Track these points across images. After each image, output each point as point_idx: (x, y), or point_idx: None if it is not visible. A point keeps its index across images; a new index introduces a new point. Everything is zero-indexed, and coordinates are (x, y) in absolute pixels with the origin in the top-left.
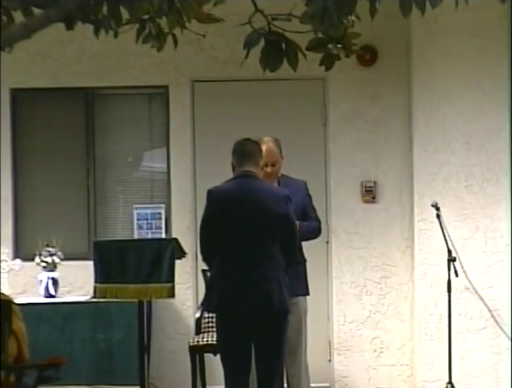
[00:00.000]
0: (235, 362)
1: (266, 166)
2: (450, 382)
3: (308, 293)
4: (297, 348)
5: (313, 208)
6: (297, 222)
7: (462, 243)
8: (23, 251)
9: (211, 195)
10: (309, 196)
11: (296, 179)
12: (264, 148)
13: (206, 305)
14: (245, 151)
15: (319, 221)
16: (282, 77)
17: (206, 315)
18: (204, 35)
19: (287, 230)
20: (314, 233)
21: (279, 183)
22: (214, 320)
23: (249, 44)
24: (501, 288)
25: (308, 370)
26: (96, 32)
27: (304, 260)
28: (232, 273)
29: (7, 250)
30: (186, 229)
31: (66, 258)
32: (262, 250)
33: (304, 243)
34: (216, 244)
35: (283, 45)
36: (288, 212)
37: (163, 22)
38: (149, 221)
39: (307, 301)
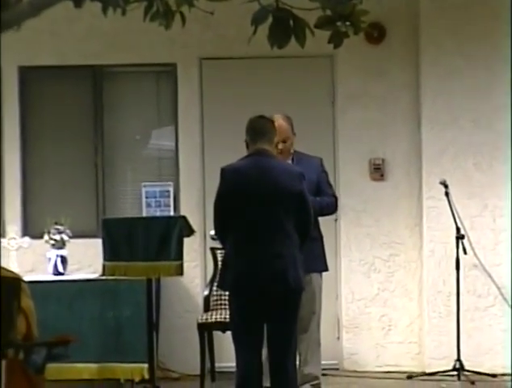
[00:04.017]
0: (248, 340)
1: (277, 143)
2: (458, 359)
3: (324, 269)
4: (310, 325)
5: (329, 185)
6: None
7: (470, 221)
8: (31, 229)
9: (225, 173)
10: (325, 173)
11: (311, 155)
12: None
13: (221, 284)
14: (258, 129)
15: (335, 197)
16: (290, 54)
17: (214, 293)
18: (212, 13)
19: (301, 208)
20: (328, 208)
21: (292, 159)
22: (223, 298)
23: (256, 21)
24: (510, 265)
25: (320, 348)
26: (104, 10)
27: (321, 237)
28: (247, 251)
29: (16, 228)
30: (194, 207)
31: (75, 236)
32: (277, 228)
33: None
34: (230, 222)
35: (291, 22)
36: (302, 189)
37: (171, 0)
38: (158, 199)
39: (322, 278)
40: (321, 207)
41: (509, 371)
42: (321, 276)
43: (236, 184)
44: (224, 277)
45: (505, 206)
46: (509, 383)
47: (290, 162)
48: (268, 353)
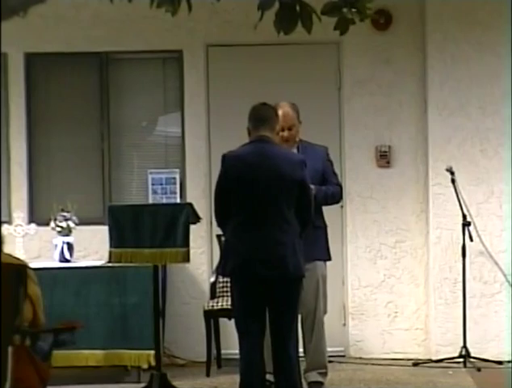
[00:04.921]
0: (249, 325)
1: (283, 130)
2: (464, 346)
3: (328, 259)
4: (314, 313)
5: (334, 174)
6: (314, 186)
7: (477, 207)
8: (37, 216)
9: (227, 159)
10: (330, 162)
11: (317, 144)
12: (280, 112)
13: (221, 270)
14: (260, 116)
15: (340, 186)
16: (296, 41)
17: (221, 280)
18: (219, 0)
19: (302, 195)
20: (333, 197)
21: (298, 148)
22: (229, 285)
23: (263, 7)
24: (510, 251)
25: (324, 335)
26: None
27: (325, 225)
28: (247, 237)
29: (22, 214)
30: (200, 194)
31: (81, 222)
32: (277, 215)
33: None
34: (230, 208)
35: (298, 8)
36: (304, 176)
37: None
38: (164, 186)
39: (326, 267)
40: (325, 196)
41: None
42: (325, 264)
43: (237, 171)
44: (224, 264)
45: (507, 192)
46: (510, 370)
47: (295, 150)
48: (270, 339)
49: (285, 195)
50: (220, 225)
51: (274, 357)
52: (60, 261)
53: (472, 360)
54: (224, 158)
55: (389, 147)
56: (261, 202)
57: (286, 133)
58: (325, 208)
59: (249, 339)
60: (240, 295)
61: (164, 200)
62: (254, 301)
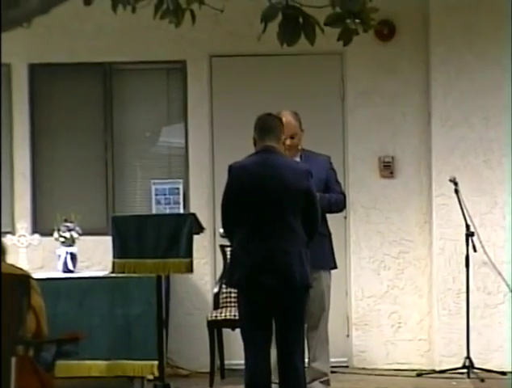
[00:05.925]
0: (256, 337)
1: (285, 138)
2: (468, 357)
3: (333, 267)
4: (319, 323)
5: (337, 182)
6: (317, 193)
7: (480, 218)
8: (41, 226)
9: (233, 170)
10: (333, 171)
11: (319, 153)
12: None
13: (227, 280)
14: (266, 126)
15: (343, 195)
16: (300, 52)
17: (224, 290)
18: (222, 10)
19: (308, 205)
20: (337, 205)
21: (301, 157)
22: (232, 295)
23: (266, 18)
24: (510, 261)
25: (328, 344)
26: (114, 8)
27: (329, 234)
28: (253, 248)
29: (26, 225)
30: (204, 204)
31: (84, 233)
32: (284, 225)
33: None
34: (237, 219)
35: (301, 19)
36: (309, 186)
37: None
38: (167, 196)
39: (331, 275)
40: (329, 203)
41: None
42: (329, 273)
43: (243, 181)
44: (231, 274)
45: (510, 203)
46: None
47: (298, 159)
48: (276, 350)
49: (291, 205)
50: (227, 235)
51: (280, 368)
52: (64, 271)
53: (475, 370)
54: (231, 168)
55: (393, 158)
56: (267, 212)
57: (288, 141)
58: (328, 218)
59: (255, 349)
60: (246, 305)
61: (167, 211)
62: (261, 311)
